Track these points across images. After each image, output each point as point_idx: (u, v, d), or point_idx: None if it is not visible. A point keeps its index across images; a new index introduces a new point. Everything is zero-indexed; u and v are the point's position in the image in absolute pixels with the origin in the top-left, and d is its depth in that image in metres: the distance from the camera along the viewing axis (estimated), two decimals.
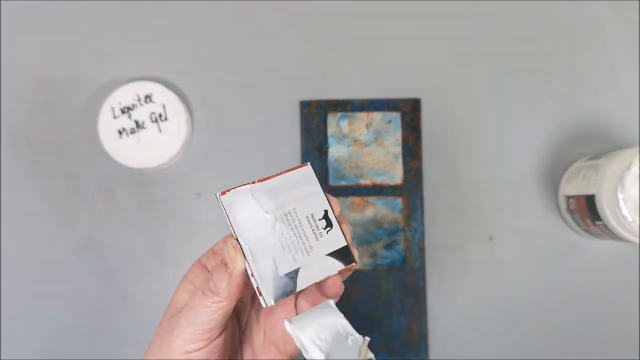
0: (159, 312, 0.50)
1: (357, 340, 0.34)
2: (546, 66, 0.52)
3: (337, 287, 0.36)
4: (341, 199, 0.51)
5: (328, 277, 0.36)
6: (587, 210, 0.45)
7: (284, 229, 0.35)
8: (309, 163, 0.37)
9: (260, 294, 0.34)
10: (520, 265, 0.51)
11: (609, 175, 0.43)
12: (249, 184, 0.35)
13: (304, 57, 0.52)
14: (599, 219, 0.44)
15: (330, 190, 0.51)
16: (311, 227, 0.35)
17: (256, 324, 0.39)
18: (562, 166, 0.51)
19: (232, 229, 0.34)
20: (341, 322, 0.35)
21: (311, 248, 0.35)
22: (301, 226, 0.35)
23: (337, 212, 0.37)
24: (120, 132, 0.49)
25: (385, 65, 0.52)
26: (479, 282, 0.51)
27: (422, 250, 0.50)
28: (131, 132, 0.50)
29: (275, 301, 0.34)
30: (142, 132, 0.50)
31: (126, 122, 0.50)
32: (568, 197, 0.48)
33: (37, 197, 0.51)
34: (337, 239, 0.36)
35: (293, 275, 0.35)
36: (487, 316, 0.51)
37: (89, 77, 0.52)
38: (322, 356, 0.33)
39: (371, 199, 0.51)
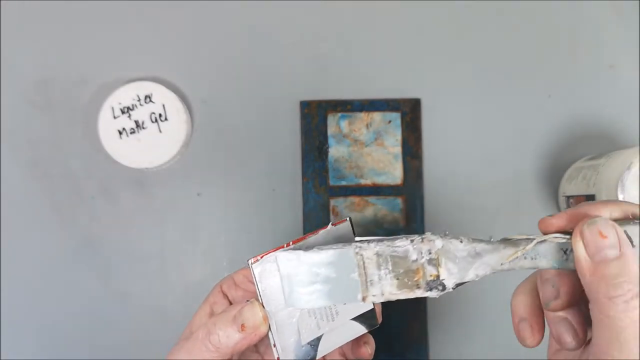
0: (159, 312, 0.51)
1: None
2: (546, 66, 0.52)
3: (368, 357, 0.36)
4: (341, 199, 0.51)
5: (360, 348, 0.35)
6: None
7: None
8: (348, 218, 0.34)
9: None
10: None
11: (609, 176, 0.43)
12: (282, 247, 0.32)
13: (304, 57, 0.52)
14: None
15: (330, 190, 0.51)
16: None
17: None
18: (562, 166, 0.51)
19: (259, 296, 0.32)
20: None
21: (337, 313, 0.34)
22: None
23: None
24: (120, 132, 0.49)
25: (385, 65, 0.52)
26: (479, 282, 0.51)
27: None
28: (131, 132, 0.50)
29: None
30: (142, 132, 0.50)
31: (126, 122, 0.50)
32: (568, 197, 0.48)
33: (37, 197, 0.51)
34: (365, 304, 0.35)
35: (315, 342, 0.33)
36: (487, 316, 0.51)
37: (89, 77, 0.52)
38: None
39: (371, 199, 0.51)
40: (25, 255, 0.51)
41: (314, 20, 0.52)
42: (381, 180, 0.51)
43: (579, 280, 0.28)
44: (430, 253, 0.29)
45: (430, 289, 0.30)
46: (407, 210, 0.50)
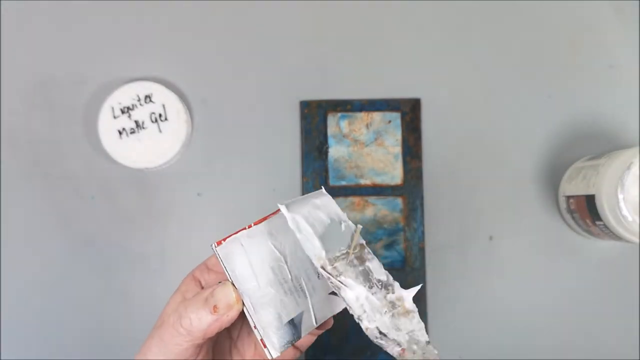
0: (159, 312, 0.50)
1: (350, 227, 0.34)
2: (546, 66, 0.52)
3: (330, 324, 0.36)
4: (341, 199, 0.51)
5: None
6: (587, 210, 0.45)
7: (286, 272, 0.33)
8: (322, 187, 0.35)
9: (265, 346, 0.32)
10: (520, 265, 0.51)
11: (609, 175, 0.43)
12: (245, 228, 0.33)
13: (304, 57, 0.52)
14: (599, 219, 0.44)
15: (330, 190, 0.51)
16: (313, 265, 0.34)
17: (247, 337, 0.38)
18: (562, 166, 0.51)
19: (230, 279, 0.32)
20: (334, 209, 0.33)
21: (314, 288, 0.34)
22: (303, 266, 0.34)
23: None
24: (120, 132, 0.49)
25: (385, 65, 0.52)
26: (479, 282, 0.51)
27: (422, 250, 0.50)
28: (131, 132, 0.50)
29: (280, 352, 0.32)
30: (142, 132, 0.50)
31: (126, 122, 0.50)
32: (568, 197, 0.48)
33: (36, 197, 0.51)
34: None
35: (297, 320, 0.33)
36: (487, 316, 0.51)
37: (89, 77, 0.52)
38: (317, 238, 0.32)
39: (371, 199, 0.51)
40: (26, 255, 0.51)
41: (314, 20, 0.52)
42: (381, 180, 0.51)
43: None
44: None
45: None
46: (407, 210, 0.50)
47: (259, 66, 0.52)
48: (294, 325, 0.33)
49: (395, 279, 0.51)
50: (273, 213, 0.34)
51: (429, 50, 0.52)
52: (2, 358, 0.50)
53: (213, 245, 0.33)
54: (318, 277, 0.34)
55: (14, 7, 0.52)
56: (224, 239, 0.33)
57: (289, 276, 0.33)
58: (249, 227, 0.33)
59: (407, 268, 0.50)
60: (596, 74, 0.52)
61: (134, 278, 0.51)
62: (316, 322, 0.34)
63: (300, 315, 0.33)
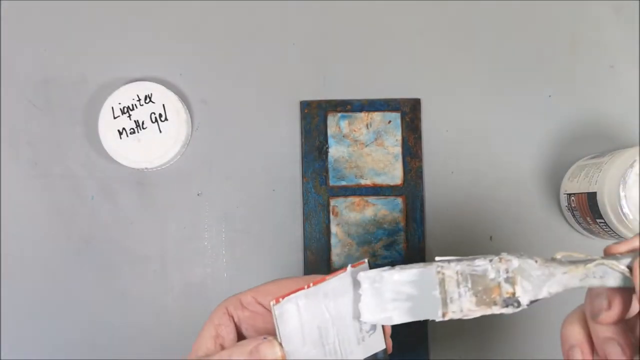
0: (159, 313, 0.50)
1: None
2: (546, 66, 0.52)
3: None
4: (341, 199, 0.50)
5: None
6: (588, 207, 0.45)
7: (331, 335, 0.33)
8: (366, 261, 0.34)
9: None
10: None
11: (612, 173, 0.43)
12: (303, 288, 0.32)
13: (304, 57, 0.52)
14: (600, 216, 0.44)
15: (330, 190, 0.51)
16: (355, 331, 0.34)
17: None
18: (561, 166, 0.51)
19: (278, 336, 0.32)
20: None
21: (351, 353, 0.34)
22: (346, 331, 0.34)
23: None
24: (120, 132, 0.49)
25: (385, 65, 0.52)
26: None
27: (422, 250, 0.50)
28: (131, 132, 0.50)
29: None
30: (142, 132, 0.50)
31: (126, 122, 0.50)
32: (569, 195, 0.48)
33: (37, 197, 0.51)
34: (377, 343, 0.35)
35: None
36: (487, 316, 0.51)
37: (89, 77, 0.52)
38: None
39: (371, 199, 0.51)
40: (25, 255, 0.51)
41: (314, 20, 0.52)
42: (381, 180, 0.51)
43: (631, 296, 0.30)
44: (507, 272, 0.32)
45: (507, 306, 0.32)
46: (407, 210, 0.50)
47: (259, 66, 0.52)
48: None
49: None
50: (335, 273, 0.34)
51: (429, 50, 0.52)
52: (2, 358, 0.50)
53: (272, 302, 0.32)
54: (358, 342, 0.34)
55: (14, 7, 0.52)
56: (282, 297, 0.32)
57: (332, 339, 0.33)
58: (308, 286, 0.33)
59: None
60: (596, 74, 0.52)
61: (133, 278, 0.51)
62: None
63: None
